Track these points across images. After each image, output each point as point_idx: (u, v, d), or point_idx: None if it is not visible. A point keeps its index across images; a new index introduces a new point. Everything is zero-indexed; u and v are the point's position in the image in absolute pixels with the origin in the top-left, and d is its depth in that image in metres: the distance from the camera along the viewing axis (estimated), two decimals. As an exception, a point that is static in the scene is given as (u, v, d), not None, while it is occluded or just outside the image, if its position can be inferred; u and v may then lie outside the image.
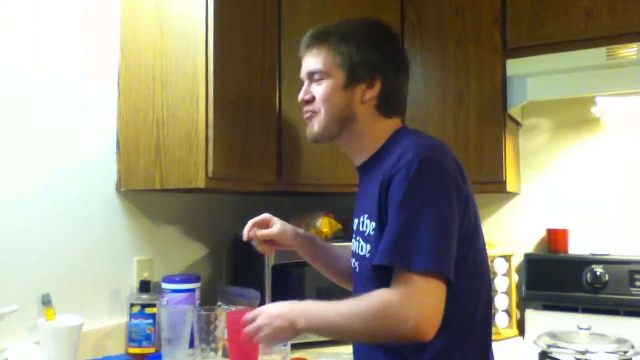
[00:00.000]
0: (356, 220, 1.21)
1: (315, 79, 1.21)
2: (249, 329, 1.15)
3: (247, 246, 2.00)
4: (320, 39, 1.22)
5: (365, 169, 1.21)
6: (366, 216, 1.14)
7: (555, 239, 2.14)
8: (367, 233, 1.12)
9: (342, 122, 1.19)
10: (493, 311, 1.19)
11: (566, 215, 2.17)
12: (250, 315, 1.17)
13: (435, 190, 1.01)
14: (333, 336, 1.13)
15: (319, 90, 1.20)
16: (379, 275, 1.04)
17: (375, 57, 1.18)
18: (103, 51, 1.67)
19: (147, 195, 1.79)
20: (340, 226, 2.08)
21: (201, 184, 1.56)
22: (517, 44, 1.90)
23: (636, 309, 1.94)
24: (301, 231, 1.40)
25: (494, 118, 1.94)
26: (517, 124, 2.17)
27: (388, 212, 1.04)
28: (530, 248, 2.22)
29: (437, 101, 2.02)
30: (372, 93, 1.18)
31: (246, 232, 1.37)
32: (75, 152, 1.59)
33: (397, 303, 0.97)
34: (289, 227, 1.38)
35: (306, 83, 1.24)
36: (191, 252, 2.00)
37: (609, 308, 1.97)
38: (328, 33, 1.21)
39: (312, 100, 1.21)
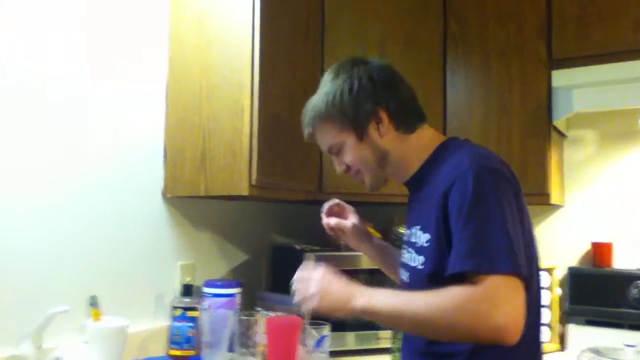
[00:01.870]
0: (407, 232, 1.21)
1: (335, 152, 1.24)
2: (299, 293, 1.15)
3: (286, 254, 2.03)
4: (312, 121, 1.24)
5: (414, 183, 1.21)
6: (418, 227, 1.14)
7: (600, 252, 2.10)
8: (419, 244, 1.12)
9: (381, 163, 1.21)
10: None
11: (611, 228, 2.11)
12: (301, 275, 1.16)
13: (498, 196, 1.01)
14: (393, 324, 1.10)
15: (346, 157, 1.23)
16: (435, 286, 1.03)
17: (363, 97, 1.17)
18: (151, 62, 1.73)
19: (191, 202, 1.83)
20: (379, 235, 2.08)
21: (244, 191, 1.59)
22: (563, 55, 1.87)
23: (685, 327, 1.87)
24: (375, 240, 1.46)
25: (538, 129, 1.91)
26: (562, 135, 2.14)
27: (450, 222, 1.03)
28: (573, 261, 2.17)
29: (480, 112, 2.01)
30: (384, 123, 1.18)
31: (324, 220, 1.43)
32: (123, 160, 1.64)
33: (484, 299, 0.95)
34: (361, 228, 1.43)
35: (332, 157, 1.27)
36: (232, 258, 2.03)
37: (656, 325, 1.92)
38: (315, 110, 1.23)
39: (348, 167, 1.25)
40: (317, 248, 1.92)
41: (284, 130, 1.72)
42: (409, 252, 1.18)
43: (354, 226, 1.43)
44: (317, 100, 1.23)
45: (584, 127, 2.18)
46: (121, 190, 1.63)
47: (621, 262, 2.08)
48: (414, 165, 1.20)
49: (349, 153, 1.22)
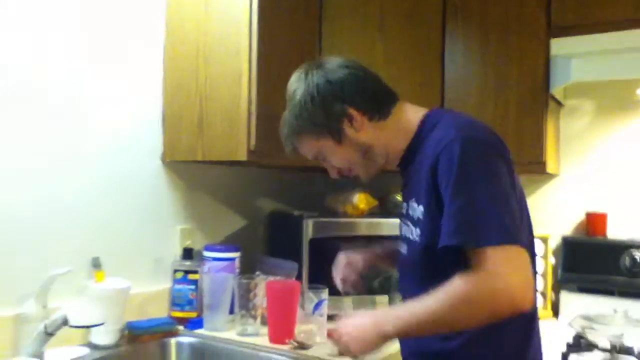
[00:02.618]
0: (405, 204, 1.21)
1: (321, 159, 1.25)
2: (338, 347, 1.15)
3: (283, 220, 2.06)
4: (289, 139, 1.25)
5: (405, 163, 1.20)
6: (413, 199, 1.14)
7: (593, 222, 2.13)
8: (415, 217, 1.13)
9: (368, 156, 1.21)
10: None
11: (605, 198, 2.14)
12: (334, 334, 1.16)
13: (485, 166, 1.01)
14: (428, 333, 1.09)
15: (332, 162, 1.24)
16: (432, 258, 1.05)
17: (327, 101, 1.17)
18: (148, 26, 1.72)
19: (190, 167, 1.85)
20: (376, 202, 2.11)
21: (242, 156, 1.61)
22: (562, 23, 1.86)
23: (674, 294, 1.92)
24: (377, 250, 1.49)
25: (536, 97, 1.92)
26: (559, 104, 2.15)
27: (442, 195, 1.03)
28: (567, 230, 2.21)
29: (477, 86, 2.01)
30: (357, 119, 1.17)
31: (337, 283, 1.45)
32: (123, 125, 1.65)
33: (484, 281, 0.96)
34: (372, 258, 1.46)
35: (323, 163, 1.28)
36: (230, 223, 2.06)
37: (646, 293, 1.96)
38: (287, 127, 1.23)
39: (340, 170, 1.26)
40: (315, 214, 1.94)
41: (282, 96, 1.71)
42: (407, 225, 1.18)
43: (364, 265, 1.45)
44: (287, 117, 1.24)
45: (581, 97, 2.19)
46: (121, 154, 1.65)
47: (614, 231, 2.11)
48: (402, 146, 1.19)
49: (334, 157, 1.22)
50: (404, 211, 1.21)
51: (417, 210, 1.11)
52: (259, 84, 1.61)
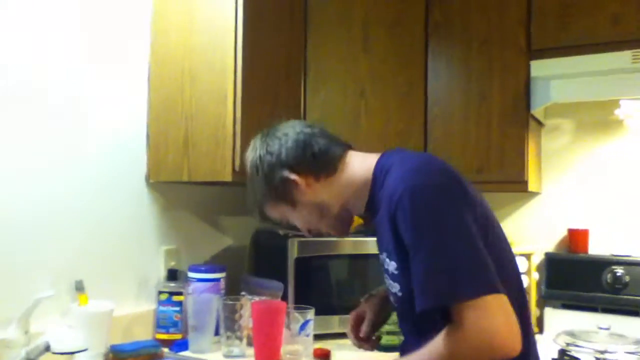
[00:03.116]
0: (380, 257, 1.20)
1: (286, 223, 1.28)
2: None
3: (269, 239, 2.06)
4: (255, 212, 1.29)
5: (371, 213, 1.20)
6: (385, 254, 1.14)
7: (575, 238, 2.16)
8: (390, 272, 1.12)
9: (326, 213, 1.22)
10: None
11: (587, 215, 2.17)
12: None
13: (439, 216, 0.99)
14: None
15: (297, 224, 1.27)
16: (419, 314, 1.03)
17: (268, 172, 1.20)
18: (133, 46, 1.72)
19: (174, 187, 1.84)
20: (361, 221, 2.09)
21: (227, 177, 1.61)
22: (542, 45, 1.90)
23: (656, 310, 1.94)
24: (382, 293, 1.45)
25: (517, 118, 1.95)
26: (539, 123, 2.18)
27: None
28: (550, 247, 2.23)
29: (460, 100, 2.04)
30: (303, 184, 1.19)
31: (353, 341, 1.40)
32: (106, 144, 1.64)
33: (466, 339, 0.95)
34: (378, 305, 1.41)
35: (292, 225, 1.30)
36: (215, 243, 2.05)
37: (629, 309, 1.99)
38: (249, 203, 1.30)
39: (308, 229, 1.27)
40: (300, 233, 1.94)
41: (267, 114, 1.73)
42: (386, 279, 1.17)
43: (376, 315, 1.41)
44: (248, 194, 1.29)
45: (561, 117, 2.23)
46: (105, 175, 1.63)
47: (596, 248, 2.14)
48: (360, 195, 1.19)
49: (296, 220, 1.25)
50: (382, 263, 1.19)
51: (391, 265, 1.11)
52: (244, 103, 1.62)
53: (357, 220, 2.10)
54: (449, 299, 0.96)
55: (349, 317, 1.41)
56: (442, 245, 0.97)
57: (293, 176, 1.19)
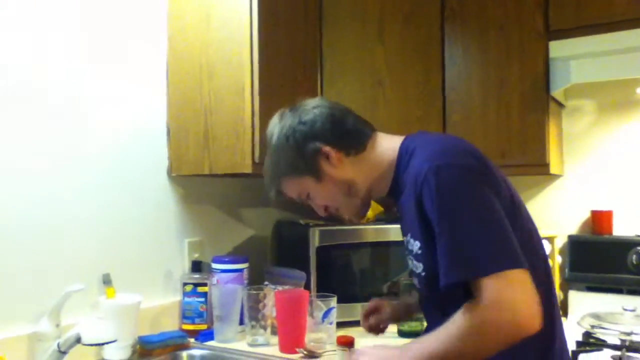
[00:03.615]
0: (405, 239, 1.21)
1: (305, 199, 1.27)
2: None
3: (290, 229, 2.08)
4: (272, 185, 1.28)
5: (394, 193, 1.21)
6: (409, 235, 1.14)
7: (599, 220, 2.13)
8: (414, 252, 1.13)
9: (350, 192, 1.22)
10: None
11: (610, 196, 2.15)
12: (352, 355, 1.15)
13: (465, 193, 1.00)
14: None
15: (317, 201, 1.25)
16: (440, 289, 1.03)
17: (301, 142, 1.19)
18: (150, 43, 1.74)
19: (196, 180, 1.87)
20: (381, 209, 2.12)
21: (247, 169, 1.62)
22: (560, 26, 1.87)
23: (682, 290, 1.92)
24: (409, 300, 1.49)
25: (537, 100, 1.93)
26: (560, 105, 2.16)
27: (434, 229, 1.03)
28: (573, 230, 2.21)
29: (478, 86, 2.02)
30: (333, 156, 1.19)
31: (362, 324, 1.46)
32: (128, 140, 1.67)
33: (485, 313, 0.96)
34: (399, 307, 1.46)
35: (310, 203, 1.29)
36: (238, 234, 2.08)
37: (655, 290, 1.96)
38: (268, 173, 1.27)
39: (326, 207, 1.26)
40: (321, 223, 1.96)
41: (285, 106, 1.74)
42: (410, 260, 1.18)
43: (392, 313, 1.46)
44: (268, 164, 1.27)
45: (582, 97, 2.19)
46: (128, 170, 1.67)
47: (620, 229, 2.11)
48: (386, 176, 1.19)
49: (317, 196, 1.24)
50: (406, 246, 1.20)
51: (415, 245, 1.11)
52: (262, 96, 1.63)
53: (378, 208, 2.11)
54: (473, 273, 0.97)
55: (368, 304, 1.45)
56: (467, 221, 0.98)
57: (326, 148, 1.18)
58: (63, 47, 1.51)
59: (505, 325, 0.95)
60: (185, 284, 1.75)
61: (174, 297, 1.78)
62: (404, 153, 1.16)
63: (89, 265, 1.54)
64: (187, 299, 1.75)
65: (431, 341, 1.03)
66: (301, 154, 1.20)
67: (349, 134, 1.21)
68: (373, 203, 2.10)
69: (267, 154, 1.27)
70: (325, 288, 1.78)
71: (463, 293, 1.01)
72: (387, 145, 1.20)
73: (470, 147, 1.09)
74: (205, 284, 1.75)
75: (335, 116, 1.21)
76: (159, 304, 1.73)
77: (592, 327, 1.77)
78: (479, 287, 0.96)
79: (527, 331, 0.95)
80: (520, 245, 1.04)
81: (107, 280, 1.54)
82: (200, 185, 1.90)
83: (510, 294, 0.95)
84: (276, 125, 1.24)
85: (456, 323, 0.99)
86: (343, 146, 1.19)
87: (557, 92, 1.96)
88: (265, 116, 1.63)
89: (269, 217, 2.21)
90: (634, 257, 2.00)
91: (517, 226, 1.05)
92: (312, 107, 1.22)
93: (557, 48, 1.87)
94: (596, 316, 1.85)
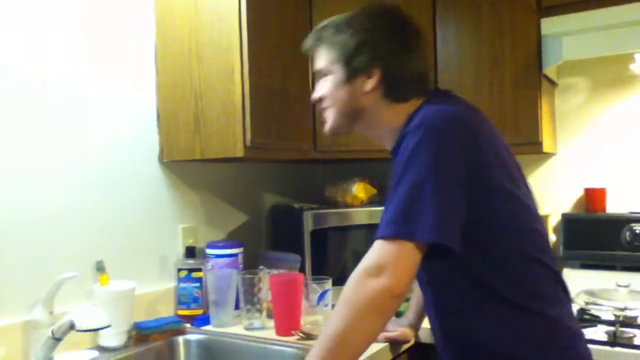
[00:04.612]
0: None
1: (321, 76, 1.22)
2: None
3: (284, 213, 2.07)
4: (318, 36, 1.21)
5: (394, 156, 1.15)
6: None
7: (593, 198, 2.13)
8: None
9: (350, 115, 1.18)
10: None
11: (604, 174, 2.15)
12: None
13: (421, 152, 0.98)
14: (338, 348, 0.97)
15: (324, 88, 1.20)
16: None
17: (371, 43, 1.14)
18: (138, 27, 1.72)
19: (188, 165, 1.86)
20: (375, 191, 2.12)
21: (239, 153, 1.61)
22: (552, 2, 1.85)
23: (676, 266, 1.93)
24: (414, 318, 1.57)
25: (529, 78, 1.92)
26: (553, 83, 2.15)
27: None
28: (567, 207, 2.21)
29: (471, 64, 2.01)
30: (372, 83, 1.14)
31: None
32: (118, 127, 1.65)
33: (363, 271, 0.98)
34: (407, 326, 1.55)
35: (318, 82, 1.24)
36: (232, 219, 2.07)
37: (648, 266, 1.97)
38: (326, 27, 1.20)
39: (321, 99, 1.22)
40: (315, 206, 1.95)
41: (276, 90, 1.73)
42: None
43: (404, 333, 1.55)
44: (333, 23, 1.19)
45: (575, 75, 2.18)
46: (119, 157, 1.65)
47: (614, 206, 2.12)
48: (391, 135, 1.15)
49: (330, 86, 1.19)
50: None
51: None
52: (252, 78, 1.61)
53: (372, 191, 2.11)
54: (377, 234, 0.98)
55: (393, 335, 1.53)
56: (404, 182, 0.98)
57: (376, 73, 1.13)
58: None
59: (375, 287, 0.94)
60: (179, 270, 1.75)
61: (169, 283, 1.78)
62: (412, 115, 1.11)
63: (82, 253, 1.53)
64: (182, 285, 1.74)
65: (330, 320, 0.99)
66: (357, 53, 1.14)
67: (405, 81, 1.15)
68: (366, 185, 2.10)
69: (341, 18, 1.19)
70: (320, 271, 1.79)
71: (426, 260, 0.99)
72: (415, 105, 1.14)
73: (464, 113, 1.06)
74: (200, 270, 1.75)
75: (413, 56, 1.16)
76: (154, 290, 1.72)
77: (587, 303, 1.78)
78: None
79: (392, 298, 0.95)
80: (513, 218, 1.05)
81: (100, 267, 1.53)
82: (193, 170, 1.89)
83: (388, 260, 0.95)
84: (369, 12, 1.17)
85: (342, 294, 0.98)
86: (388, 86, 1.14)
87: (549, 70, 1.95)
88: (255, 99, 1.62)
89: (263, 201, 2.20)
90: (628, 233, 2.00)
91: (513, 196, 1.05)
92: (407, 28, 1.17)
93: (549, 24, 1.85)
94: (590, 293, 1.85)
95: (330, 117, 1.22)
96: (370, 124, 1.19)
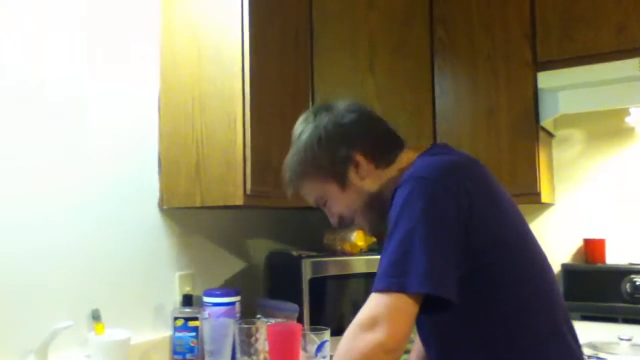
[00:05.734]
0: None
1: (322, 204, 1.22)
2: None
3: (282, 260, 2.06)
4: (292, 182, 1.22)
5: (389, 209, 1.14)
6: None
7: (592, 249, 2.13)
8: None
9: (372, 205, 1.16)
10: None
11: (602, 225, 2.15)
12: None
13: (413, 205, 0.96)
14: None
15: (334, 208, 1.20)
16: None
17: (334, 145, 1.15)
18: (145, 75, 1.75)
19: (186, 212, 1.86)
20: (374, 239, 2.11)
21: (239, 201, 1.61)
22: (547, 57, 1.91)
23: (677, 319, 1.91)
24: None
25: (527, 130, 1.95)
26: (550, 135, 2.18)
27: None
28: (566, 258, 2.21)
29: (468, 115, 2.05)
30: (363, 167, 1.15)
31: None
32: (118, 172, 1.66)
33: (357, 325, 0.94)
34: None
35: (324, 209, 1.24)
36: (230, 267, 2.06)
37: (649, 318, 1.95)
38: (291, 170, 1.21)
39: (341, 217, 1.21)
40: (314, 254, 1.94)
41: (276, 138, 1.75)
42: None
43: None
44: (291, 160, 1.21)
45: (571, 127, 2.22)
46: (118, 202, 1.65)
47: (613, 257, 2.11)
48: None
49: (336, 203, 1.19)
50: None
51: None
52: (253, 127, 1.63)
53: (370, 239, 2.10)
54: (373, 288, 0.94)
55: None
56: (396, 235, 0.95)
57: (358, 156, 1.14)
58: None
59: (368, 342, 0.91)
60: (176, 319, 1.72)
61: (165, 332, 1.75)
62: (406, 170, 1.10)
63: (78, 301, 1.51)
64: (178, 334, 1.71)
65: None
66: (331, 158, 1.15)
67: (383, 145, 1.16)
68: (365, 233, 2.09)
69: (293, 151, 1.21)
70: (318, 320, 1.76)
71: (459, 318, 0.98)
72: (408, 159, 1.15)
73: (458, 164, 1.05)
74: (196, 318, 1.72)
75: (373, 124, 1.17)
76: (150, 339, 1.69)
77: (589, 357, 1.75)
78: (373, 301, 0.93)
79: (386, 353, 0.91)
80: (516, 271, 1.03)
81: (96, 316, 1.51)
82: (192, 217, 1.89)
83: (381, 314, 0.91)
84: (308, 123, 1.18)
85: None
86: (375, 157, 1.15)
87: (546, 122, 1.98)
88: (256, 147, 1.64)
89: (262, 249, 2.19)
90: (628, 285, 1.99)
91: (515, 248, 1.04)
92: (348, 110, 1.17)
93: (546, 79, 1.90)
94: (592, 346, 1.83)
95: (364, 223, 1.21)
96: (389, 198, 1.18)
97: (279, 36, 1.80)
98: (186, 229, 1.87)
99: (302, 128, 1.20)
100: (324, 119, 1.17)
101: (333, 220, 1.24)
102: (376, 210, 1.16)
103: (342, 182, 1.16)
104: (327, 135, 1.15)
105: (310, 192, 1.21)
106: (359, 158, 1.14)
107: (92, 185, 1.58)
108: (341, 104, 1.20)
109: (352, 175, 1.15)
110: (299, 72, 1.90)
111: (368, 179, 1.15)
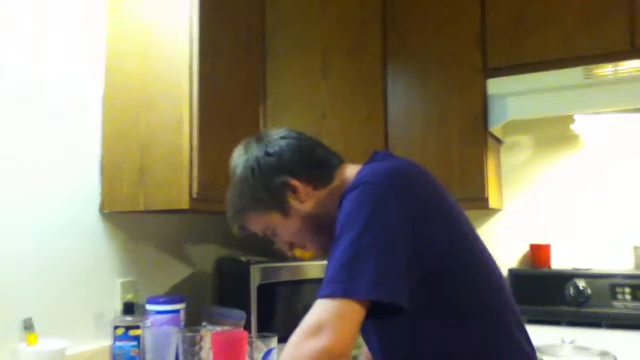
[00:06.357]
0: None
1: (270, 234, 1.21)
2: None
3: (231, 266, 2.01)
4: (234, 219, 1.21)
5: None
6: None
7: (538, 253, 2.17)
8: None
9: (319, 227, 1.15)
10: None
11: (548, 230, 2.20)
12: None
13: (360, 209, 0.96)
14: None
15: (283, 237, 1.19)
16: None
17: (267, 175, 1.15)
18: (87, 72, 1.68)
19: (129, 217, 1.79)
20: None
21: (185, 205, 1.56)
22: (497, 64, 1.94)
23: (618, 321, 1.97)
24: None
25: (476, 136, 1.97)
26: (498, 141, 2.21)
27: None
28: (513, 263, 2.24)
29: (420, 120, 2.05)
30: (301, 191, 1.14)
31: None
32: (56, 174, 1.58)
33: (303, 333, 0.91)
34: None
35: (274, 239, 1.23)
36: (175, 273, 1.99)
37: (592, 321, 2.00)
38: (232, 205, 1.20)
39: (292, 244, 1.21)
40: (263, 259, 1.90)
41: (224, 142, 1.70)
42: None
43: None
44: (230, 195, 1.20)
45: (519, 133, 2.26)
46: (56, 206, 1.57)
47: (559, 262, 2.16)
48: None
49: (283, 231, 1.18)
50: None
51: None
52: (201, 130, 1.58)
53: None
54: (319, 294, 0.92)
55: None
56: (343, 241, 0.93)
57: (294, 182, 1.13)
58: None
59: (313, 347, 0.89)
60: (116, 327, 1.65)
61: (104, 342, 1.67)
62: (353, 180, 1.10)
63: (9, 310, 1.42)
64: (117, 343, 1.64)
65: None
66: (267, 187, 1.14)
67: (317, 166, 1.16)
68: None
69: (231, 186, 1.20)
70: (267, 327, 1.72)
71: (409, 319, 0.97)
72: (350, 173, 1.15)
73: (401, 168, 1.04)
74: (138, 327, 1.65)
75: (304, 147, 1.17)
76: (88, 348, 1.62)
77: None
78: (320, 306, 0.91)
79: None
80: (463, 272, 1.03)
81: (28, 326, 1.43)
82: (135, 221, 1.82)
83: (326, 320, 0.89)
84: (241, 156, 1.18)
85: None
86: (311, 179, 1.15)
87: (495, 128, 2.01)
88: (204, 150, 1.59)
89: (210, 255, 2.13)
90: (572, 289, 2.04)
91: (467, 249, 1.04)
92: (280, 138, 1.17)
93: (495, 85, 1.93)
94: (537, 349, 1.85)
95: (312, 247, 1.20)
96: (333, 218, 1.16)
97: (231, 38, 1.76)
98: (129, 233, 1.80)
99: (236, 162, 1.20)
100: (255, 150, 1.17)
101: (284, 249, 1.22)
102: (326, 231, 1.13)
103: (284, 209, 1.15)
104: (260, 166, 1.15)
105: (256, 225, 1.20)
106: (295, 183, 1.14)
107: (29, 188, 1.50)
108: (272, 132, 1.20)
109: (291, 201, 1.14)
110: (251, 75, 1.86)
111: (309, 201, 1.15)
